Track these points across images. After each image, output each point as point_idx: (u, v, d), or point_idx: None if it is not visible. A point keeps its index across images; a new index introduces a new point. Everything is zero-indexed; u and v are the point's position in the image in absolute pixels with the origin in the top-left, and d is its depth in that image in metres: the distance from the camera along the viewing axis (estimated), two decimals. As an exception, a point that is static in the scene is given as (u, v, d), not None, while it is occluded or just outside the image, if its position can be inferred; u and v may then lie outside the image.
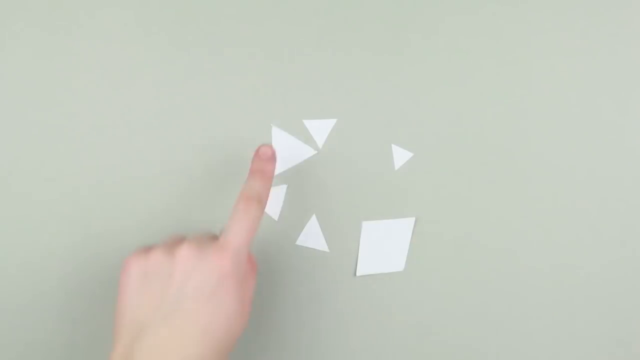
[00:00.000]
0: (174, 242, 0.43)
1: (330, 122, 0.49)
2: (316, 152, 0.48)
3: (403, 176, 0.50)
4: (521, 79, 0.51)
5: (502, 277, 0.54)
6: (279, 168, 0.48)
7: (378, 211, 0.50)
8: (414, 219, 0.51)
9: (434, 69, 0.49)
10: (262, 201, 0.43)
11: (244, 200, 0.43)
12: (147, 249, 0.43)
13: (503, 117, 0.51)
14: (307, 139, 0.49)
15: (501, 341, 0.55)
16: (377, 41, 0.48)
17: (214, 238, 0.44)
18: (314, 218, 0.49)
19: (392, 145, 0.50)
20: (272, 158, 0.45)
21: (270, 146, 0.46)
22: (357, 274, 0.50)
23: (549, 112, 0.52)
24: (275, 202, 0.49)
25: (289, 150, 0.48)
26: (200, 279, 0.41)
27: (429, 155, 0.50)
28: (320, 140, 0.49)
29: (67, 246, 0.49)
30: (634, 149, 0.54)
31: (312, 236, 0.49)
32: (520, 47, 0.50)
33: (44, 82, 0.47)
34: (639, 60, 0.53)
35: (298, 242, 0.49)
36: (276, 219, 0.49)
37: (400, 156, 0.50)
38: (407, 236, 0.51)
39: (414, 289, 0.52)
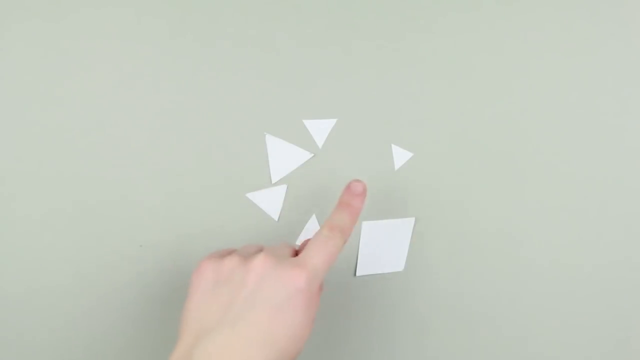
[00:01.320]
0: (251, 251, 0.44)
1: (330, 122, 0.49)
2: (313, 155, 0.49)
3: (403, 176, 0.50)
4: (521, 79, 0.51)
5: (502, 276, 0.54)
6: (279, 174, 0.49)
7: (378, 211, 0.50)
8: (413, 219, 0.51)
9: (434, 69, 0.49)
10: (345, 233, 0.43)
11: (329, 227, 0.43)
12: (223, 254, 0.44)
13: (503, 117, 0.51)
14: (307, 139, 0.49)
15: (501, 340, 0.55)
16: (377, 41, 0.48)
17: (291, 252, 0.44)
18: (313, 218, 0.49)
19: (392, 145, 0.50)
20: (362, 194, 0.46)
21: (362, 182, 0.46)
22: (357, 274, 0.50)
23: (549, 112, 0.52)
24: (275, 202, 0.49)
25: (285, 156, 0.48)
26: (272, 290, 0.41)
27: (429, 155, 0.50)
28: (320, 140, 0.49)
29: (67, 246, 0.49)
30: (634, 149, 0.54)
31: (312, 236, 0.49)
32: (521, 47, 0.51)
33: (44, 81, 0.48)
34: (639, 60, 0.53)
35: (298, 242, 0.49)
36: (276, 219, 0.49)
37: (400, 156, 0.50)
38: (407, 236, 0.51)
39: (413, 289, 0.52)
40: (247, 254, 0.43)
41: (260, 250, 0.44)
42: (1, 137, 0.48)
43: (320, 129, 0.48)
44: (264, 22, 0.49)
